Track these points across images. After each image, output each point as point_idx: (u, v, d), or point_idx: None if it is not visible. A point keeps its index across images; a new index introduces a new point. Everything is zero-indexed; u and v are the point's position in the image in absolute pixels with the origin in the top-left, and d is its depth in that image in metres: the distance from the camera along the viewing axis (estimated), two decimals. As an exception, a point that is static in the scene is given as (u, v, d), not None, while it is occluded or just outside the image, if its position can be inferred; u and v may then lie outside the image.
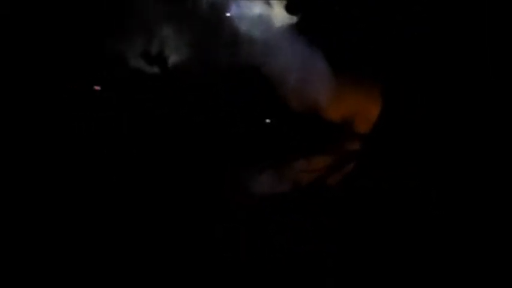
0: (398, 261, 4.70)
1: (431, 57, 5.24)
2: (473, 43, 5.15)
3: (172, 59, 5.37)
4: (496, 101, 5.00)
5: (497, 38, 5.07)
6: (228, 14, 5.32)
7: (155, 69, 5.37)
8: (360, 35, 5.38)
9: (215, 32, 5.30)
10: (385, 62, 5.33)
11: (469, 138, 5.01)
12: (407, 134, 5.13)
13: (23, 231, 4.79)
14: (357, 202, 4.97)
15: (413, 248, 4.73)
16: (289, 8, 5.41)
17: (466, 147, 4.99)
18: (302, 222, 4.91)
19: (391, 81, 5.30)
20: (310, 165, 5.32)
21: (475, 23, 5.14)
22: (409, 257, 4.71)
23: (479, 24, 5.13)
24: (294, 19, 5.38)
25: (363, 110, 5.39)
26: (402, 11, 5.36)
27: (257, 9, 5.39)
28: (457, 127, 5.07)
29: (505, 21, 5.05)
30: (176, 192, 5.07)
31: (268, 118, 5.43)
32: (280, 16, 5.39)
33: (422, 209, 4.85)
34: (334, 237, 4.86)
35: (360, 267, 4.74)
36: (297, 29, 5.36)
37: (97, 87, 5.14)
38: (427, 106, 5.17)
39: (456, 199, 4.84)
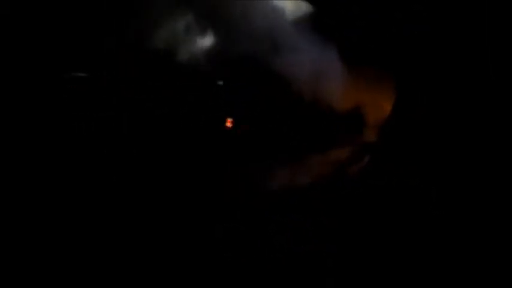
0: (398, 261, 4.70)
1: (432, 56, 5.24)
2: (474, 42, 5.14)
3: (179, 54, 5.37)
4: (497, 100, 5.00)
5: (498, 37, 5.06)
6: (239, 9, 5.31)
7: (158, 67, 5.37)
8: (365, 29, 5.39)
9: (225, 25, 5.30)
10: (391, 58, 5.33)
11: (469, 137, 5.00)
12: (413, 133, 5.13)
13: (22, 231, 4.80)
14: (365, 200, 4.97)
15: (413, 248, 4.73)
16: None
17: (467, 146, 4.98)
18: (302, 222, 4.91)
19: (400, 73, 5.30)
20: (325, 159, 5.32)
21: (476, 22, 5.14)
22: (410, 257, 4.70)
23: (479, 24, 5.12)
24: (306, 8, 5.38)
25: (373, 101, 5.38)
26: (402, 9, 5.36)
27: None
28: (457, 126, 5.06)
29: (505, 20, 5.04)
30: (176, 191, 5.08)
31: (280, 113, 5.42)
32: (292, 7, 5.39)
33: (424, 209, 4.84)
34: (334, 237, 4.86)
35: (360, 267, 4.74)
36: (309, 20, 5.36)
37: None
38: (428, 105, 5.17)
39: (456, 199, 4.84)
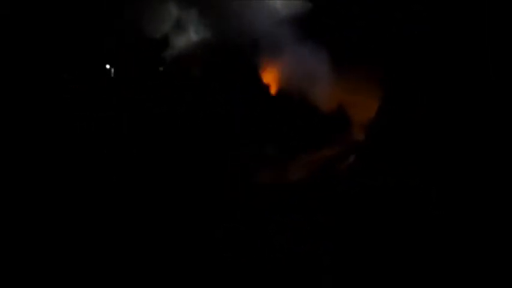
0: (397, 260, 4.70)
1: (431, 55, 5.24)
2: (474, 42, 5.14)
3: (172, 57, 5.38)
4: (496, 100, 4.99)
5: (497, 37, 5.06)
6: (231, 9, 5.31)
7: (155, 69, 5.39)
8: (360, 30, 5.39)
9: (218, 27, 5.30)
10: (385, 58, 5.33)
11: (468, 136, 5.00)
12: (406, 131, 5.13)
13: (23, 231, 4.80)
14: (357, 199, 4.97)
15: (412, 246, 4.72)
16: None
17: (465, 145, 4.98)
18: (302, 221, 4.92)
19: (390, 75, 5.30)
20: (313, 157, 5.32)
21: (476, 22, 5.14)
22: (408, 256, 4.70)
23: (479, 24, 5.12)
24: (300, 8, 5.38)
25: (359, 100, 5.38)
26: (402, 9, 5.36)
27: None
28: (455, 125, 5.06)
29: (505, 20, 5.04)
30: (176, 191, 5.08)
31: (270, 113, 5.43)
32: (285, 6, 5.38)
33: (421, 207, 4.84)
34: (332, 236, 4.86)
35: (357, 265, 4.74)
36: (303, 20, 5.37)
37: None
38: (426, 104, 5.17)
39: (454, 196, 4.83)
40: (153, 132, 5.25)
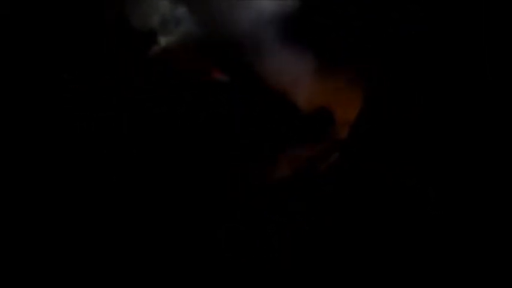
0: (395, 260, 4.73)
1: (427, 54, 5.25)
2: (472, 42, 5.17)
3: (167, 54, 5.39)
4: (494, 100, 5.02)
5: (496, 38, 5.09)
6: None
7: (154, 68, 5.39)
8: (353, 30, 5.40)
9: (205, 25, 5.32)
10: (380, 58, 5.34)
11: (460, 136, 5.02)
12: (394, 129, 5.15)
13: (23, 231, 4.81)
14: (349, 197, 5.00)
15: (409, 245, 4.75)
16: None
17: (453, 144, 5.01)
18: (301, 221, 4.94)
19: (384, 74, 5.31)
20: (298, 155, 5.34)
21: (474, 23, 5.16)
22: (406, 256, 4.73)
23: (477, 24, 5.15)
24: (289, 7, 5.39)
25: (342, 98, 5.39)
26: (399, 9, 5.37)
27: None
28: (453, 125, 5.08)
29: (503, 20, 5.07)
30: (176, 191, 5.09)
31: (254, 112, 5.44)
32: (270, 5, 5.40)
33: (415, 205, 4.87)
34: (332, 237, 4.89)
35: (356, 265, 4.77)
36: (291, 19, 5.38)
37: None
38: (424, 103, 5.18)
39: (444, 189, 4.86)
40: (153, 132, 5.26)
